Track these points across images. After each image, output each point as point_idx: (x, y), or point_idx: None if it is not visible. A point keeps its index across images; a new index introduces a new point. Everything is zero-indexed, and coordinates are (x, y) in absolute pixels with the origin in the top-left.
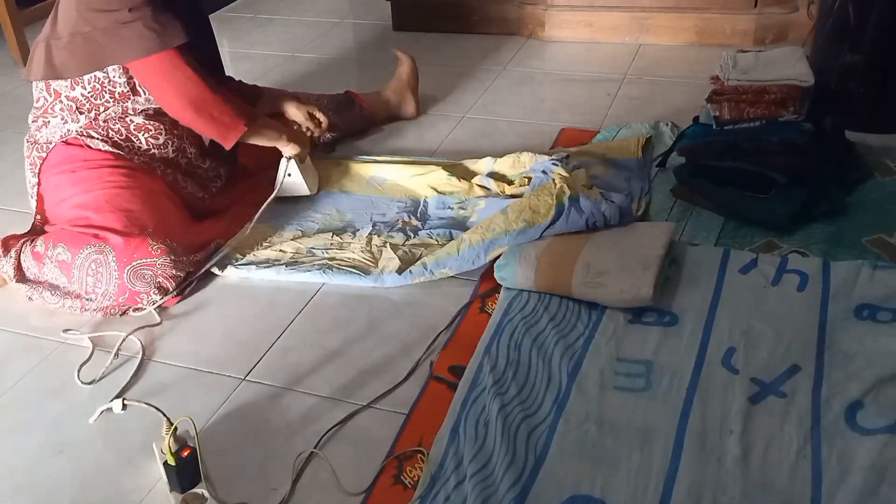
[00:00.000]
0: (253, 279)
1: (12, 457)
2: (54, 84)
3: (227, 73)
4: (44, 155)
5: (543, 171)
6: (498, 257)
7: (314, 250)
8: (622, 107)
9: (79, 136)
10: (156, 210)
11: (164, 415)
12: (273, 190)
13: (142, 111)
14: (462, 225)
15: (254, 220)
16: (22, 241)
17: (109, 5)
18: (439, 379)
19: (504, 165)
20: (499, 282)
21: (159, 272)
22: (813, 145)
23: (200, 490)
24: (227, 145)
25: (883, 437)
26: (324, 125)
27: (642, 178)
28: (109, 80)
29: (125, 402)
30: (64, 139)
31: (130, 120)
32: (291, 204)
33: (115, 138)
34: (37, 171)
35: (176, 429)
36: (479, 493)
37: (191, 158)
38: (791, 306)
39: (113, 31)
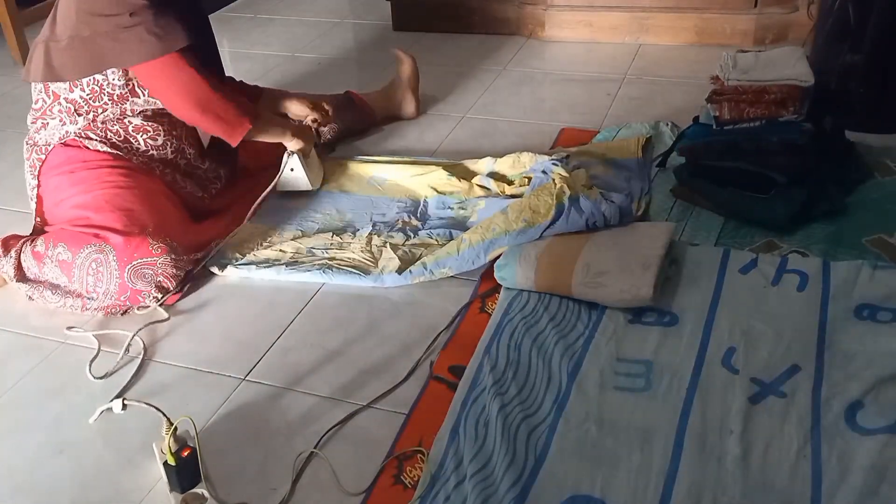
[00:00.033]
0: (253, 279)
1: (12, 457)
2: (53, 86)
3: (227, 74)
4: (43, 157)
5: (543, 171)
6: (498, 257)
7: (314, 250)
8: (622, 107)
9: (77, 138)
10: (155, 209)
11: (164, 415)
12: (276, 184)
13: (140, 112)
14: (462, 225)
15: (251, 213)
16: (22, 240)
17: (110, 10)
18: (439, 379)
19: (504, 165)
20: (499, 282)
21: (160, 271)
22: (813, 145)
23: (200, 490)
24: (234, 143)
25: (883, 437)
26: (330, 113)
27: (642, 178)
28: (108, 83)
29: (125, 402)
30: (62, 141)
31: (129, 121)
32: (291, 204)
33: (114, 139)
34: (36, 172)
35: (176, 429)
36: (479, 493)
37: (189, 159)
38: (791, 306)
39: (114, 36)
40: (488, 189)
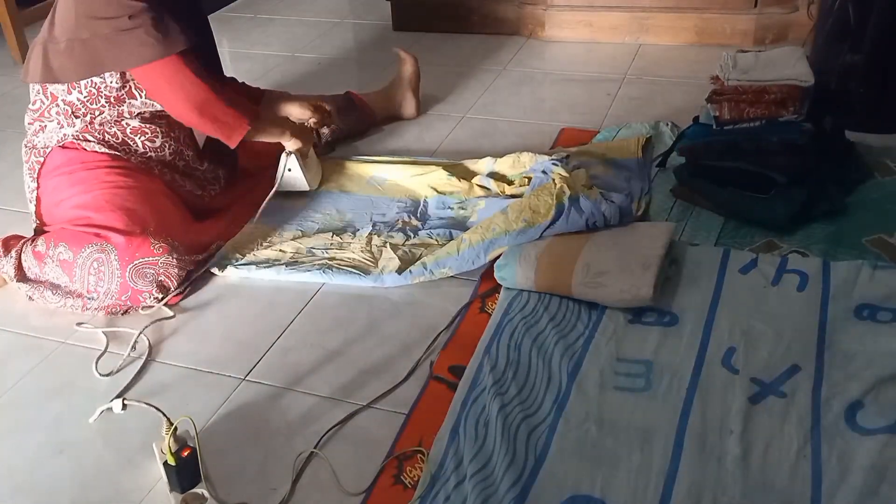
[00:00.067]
0: (253, 279)
1: (12, 457)
2: (51, 87)
3: (227, 74)
4: (41, 160)
5: (543, 171)
6: (498, 257)
7: (314, 250)
8: (622, 107)
9: (75, 140)
10: (156, 209)
11: (164, 415)
12: (274, 186)
13: (137, 114)
14: (462, 225)
15: (257, 217)
16: (23, 240)
17: (109, 13)
18: (439, 379)
19: (504, 165)
20: (499, 282)
21: (161, 271)
22: (813, 145)
23: (200, 490)
24: (232, 145)
25: (883, 437)
26: (331, 112)
27: (642, 178)
28: (105, 85)
29: (125, 402)
30: (60, 143)
31: (126, 123)
32: (291, 204)
33: (112, 141)
34: (35, 175)
35: (176, 429)
36: (479, 493)
37: (188, 161)
38: (791, 306)
39: (114, 39)
40: (488, 189)
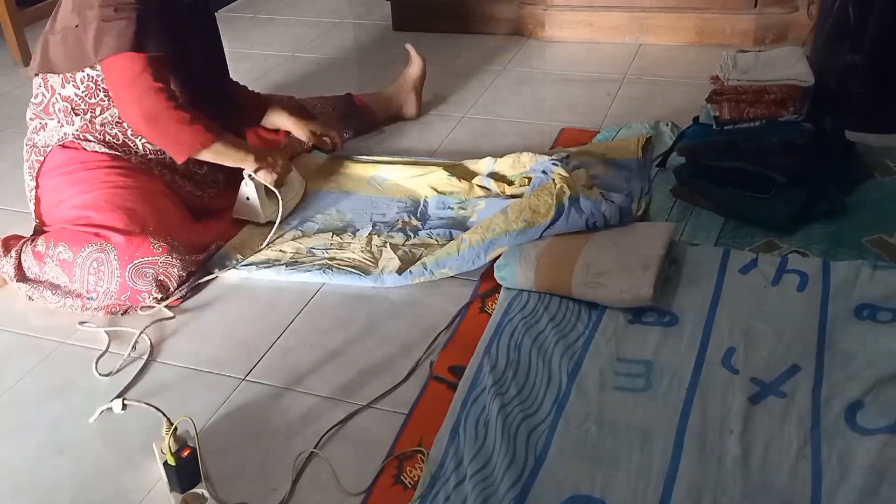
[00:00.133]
0: (253, 279)
1: (12, 457)
2: (51, 80)
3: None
4: (41, 159)
5: (543, 171)
6: (498, 257)
7: (314, 250)
8: (622, 107)
9: (75, 140)
10: (155, 208)
11: (164, 415)
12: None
13: None
14: (462, 225)
15: (264, 244)
16: (22, 240)
17: (99, 2)
18: (439, 379)
19: (504, 166)
20: (499, 282)
21: (161, 270)
22: (813, 145)
23: (200, 490)
24: (178, 160)
25: (883, 437)
26: (336, 143)
27: (642, 178)
28: (103, 79)
29: (125, 402)
30: (61, 142)
31: (127, 125)
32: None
33: (112, 142)
34: (35, 174)
35: (176, 429)
36: (479, 493)
37: (188, 164)
38: (791, 306)
39: (97, 28)
40: (488, 189)
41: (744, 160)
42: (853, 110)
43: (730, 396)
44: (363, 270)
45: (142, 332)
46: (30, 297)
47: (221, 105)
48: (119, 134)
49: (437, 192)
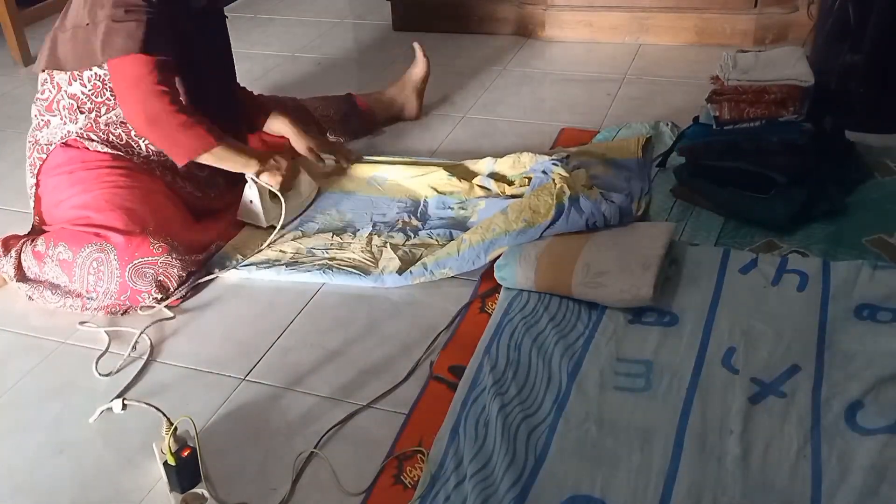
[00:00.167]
0: (253, 279)
1: (12, 457)
2: (57, 77)
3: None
4: (44, 156)
5: (543, 172)
6: (498, 257)
7: (314, 250)
8: (622, 107)
9: (78, 138)
10: (155, 208)
11: (164, 415)
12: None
13: None
14: (462, 225)
15: (265, 245)
16: (22, 240)
17: (111, 2)
18: (439, 379)
19: (504, 166)
20: (499, 282)
21: (160, 270)
22: (813, 145)
23: (200, 490)
24: (178, 164)
25: (883, 437)
26: (331, 164)
27: (642, 178)
28: (110, 78)
29: (125, 402)
30: (64, 140)
31: (131, 126)
32: (290, 204)
33: (116, 142)
34: (35, 172)
35: (176, 429)
36: (479, 493)
37: (189, 167)
38: (791, 306)
39: (107, 28)
40: (489, 189)
41: (744, 160)
42: (853, 110)
43: (730, 396)
44: (363, 270)
45: (142, 332)
46: (30, 297)
47: (227, 110)
48: (123, 134)
49: (438, 192)
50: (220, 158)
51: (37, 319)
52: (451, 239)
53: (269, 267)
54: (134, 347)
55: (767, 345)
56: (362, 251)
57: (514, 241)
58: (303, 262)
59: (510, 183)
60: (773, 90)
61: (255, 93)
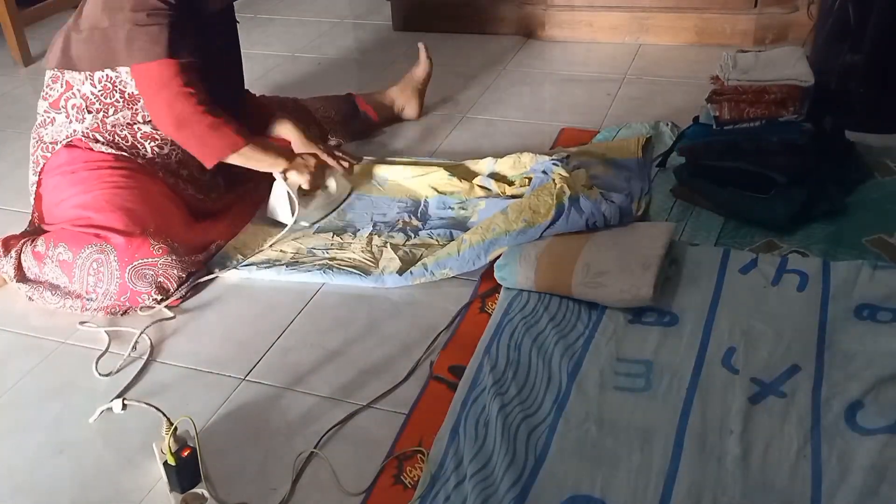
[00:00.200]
0: (253, 279)
1: (12, 457)
2: (67, 75)
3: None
4: (48, 155)
5: (544, 172)
6: (498, 257)
7: (315, 250)
8: (622, 107)
9: (84, 138)
10: (156, 210)
11: (164, 415)
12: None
13: (150, 119)
14: (462, 225)
15: (276, 239)
16: (22, 241)
17: (131, 6)
18: (439, 379)
19: (505, 166)
20: (499, 282)
21: (160, 272)
22: (813, 145)
23: (200, 490)
24: (207, 165)
25: (883, 437)
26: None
27: (642, 178)
28: (120, 80)
29: (125, 402)
30: (69, 140)
31: (138, 128)
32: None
33: (121, 144)
34: (38, 170)
35: (176, 429)
36: (479, 493)
37: (192, 170)
38: (791, 306)
39: (129, 32)
40: (489, 189)
41: (744, 160)
42: (853, 110)
43: (730, 396)
44: (364, 271)
45: (142, 332)
46: (30, 298)
47: (236, 113)
48: (129, 136)
49: (438, 192)
50: (248, 158)
51: (37, 319)
52: (452, 239)
53: (269, 267)
54: (134, 347)
55: (767, 345)
56: (363, 251)
57: (514, 241)
58: (303, 262)
59: (510, 183)
60: (773, 90)
61: (257, 94)
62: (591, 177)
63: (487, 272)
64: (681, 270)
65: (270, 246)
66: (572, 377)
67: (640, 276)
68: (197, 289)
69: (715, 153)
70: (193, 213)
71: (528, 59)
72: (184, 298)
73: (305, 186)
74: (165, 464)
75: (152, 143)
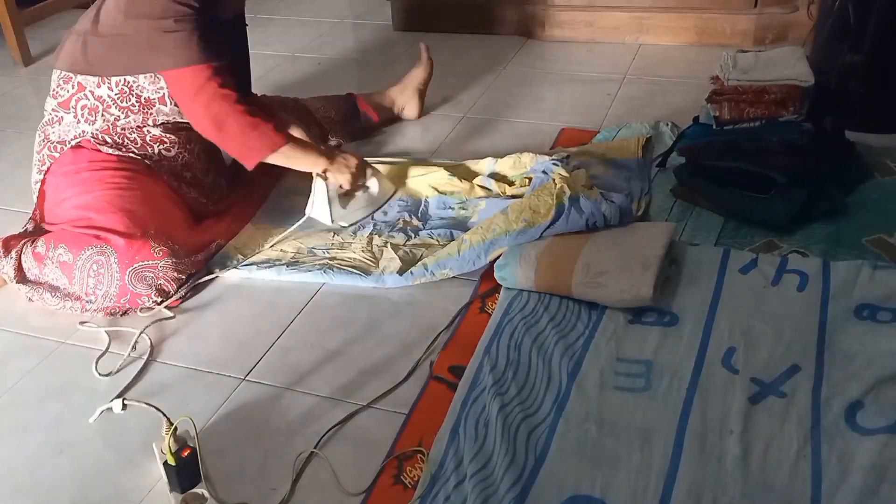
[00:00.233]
0: (253, 279)
1: (12, 457)
2: (79, 77)
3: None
4: (55, 155)
5: (544, 172)
6: (498, 257)
7: (315, 250)
8: (622, 107)
9: (92, 139)
10: (157, 211)
11: (164, 415)
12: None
13: (161, 123)
14: (463, 225)
15: (285, 235)
16: (23, 241)
17: (157, 13)
18: (439, 379)
19: (505, 166)
20: (499, 282)
21: (160, 274)
22: (813, 145)
23: (200, 490)
24: (248, 167)
25: (883, 437)
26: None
27: (642, 178)
28: (137, 84)
29: (125, 402)
30: (77, 141)
31: (147, 130)
32: (291, 203)
33: (130, 147)
34: (44, 168)
35: (176, 429)
36: (479, 493)
37: (195, 173)
38: (791, 306)
39: (156, 39)
40: (489, 189)
41: (744, 160)
42: (853, 110)
43: (730, 396)
44: (364, 271)
45: (142, 332)
46: (30, 299)
47: None
48: (138, 139)
49: (438, 192)
50: (288, 157)
51: (37, 319)
52: (452, 239)
53: (269, 267)
54: (134, 347)
55: (767, 345)
56: (363, 251)
57: (514, 242)
58: (303, 262)
59: (511, 183)
60: (773, 90)
61: (258, 94)
62: (591, 177)
63: (487, 272)
64: (681, 270)
65: (271, 246)
66: (572, 377)
67: (640, 276)
68: (197, 289)
69: (715, 153)
70: (195, 215)
71: (528, 59)
72: (184, 298)
73: (346, 186)
74: (165, 464)
75: (160, 146)
